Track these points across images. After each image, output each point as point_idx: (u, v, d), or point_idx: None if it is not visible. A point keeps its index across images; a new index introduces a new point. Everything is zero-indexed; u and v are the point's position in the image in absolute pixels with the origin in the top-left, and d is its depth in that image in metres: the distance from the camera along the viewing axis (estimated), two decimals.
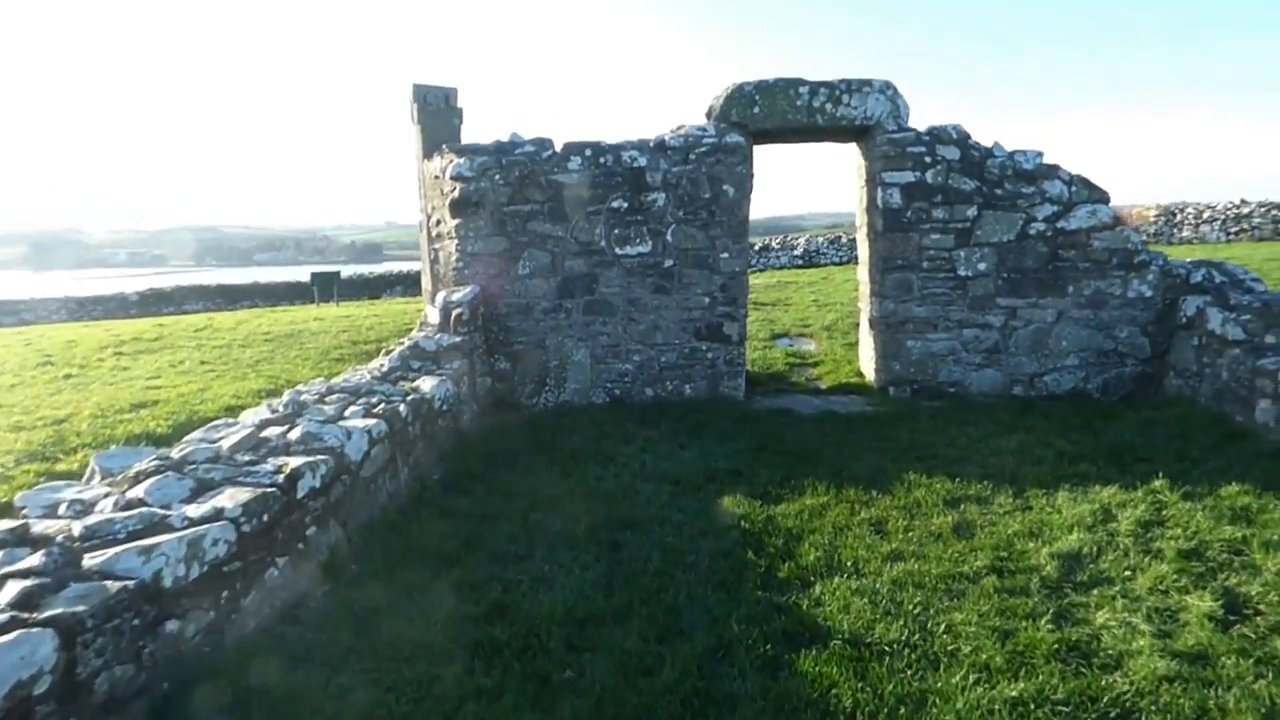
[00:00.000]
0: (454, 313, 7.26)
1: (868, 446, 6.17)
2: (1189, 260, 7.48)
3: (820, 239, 32.07)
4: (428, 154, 8.04)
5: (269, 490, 3.71)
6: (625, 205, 7.50)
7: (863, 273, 8.29)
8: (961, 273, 7.36)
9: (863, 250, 8.18)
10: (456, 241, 7.69)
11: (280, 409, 5.22)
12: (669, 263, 7.57)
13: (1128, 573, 3.96)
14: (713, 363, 7.67)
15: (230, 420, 4.98)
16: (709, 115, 7.73)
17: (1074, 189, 7.25)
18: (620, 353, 7.71)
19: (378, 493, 4.97)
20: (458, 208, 7.61)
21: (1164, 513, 4.61)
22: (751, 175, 7.46)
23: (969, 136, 7.38)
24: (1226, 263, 7.50)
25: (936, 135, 7.34)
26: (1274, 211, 22.34)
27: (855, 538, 4.49)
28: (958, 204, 7.30)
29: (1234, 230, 22.91)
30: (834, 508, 4.95)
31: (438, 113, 8.05)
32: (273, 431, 4.77)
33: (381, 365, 6.67)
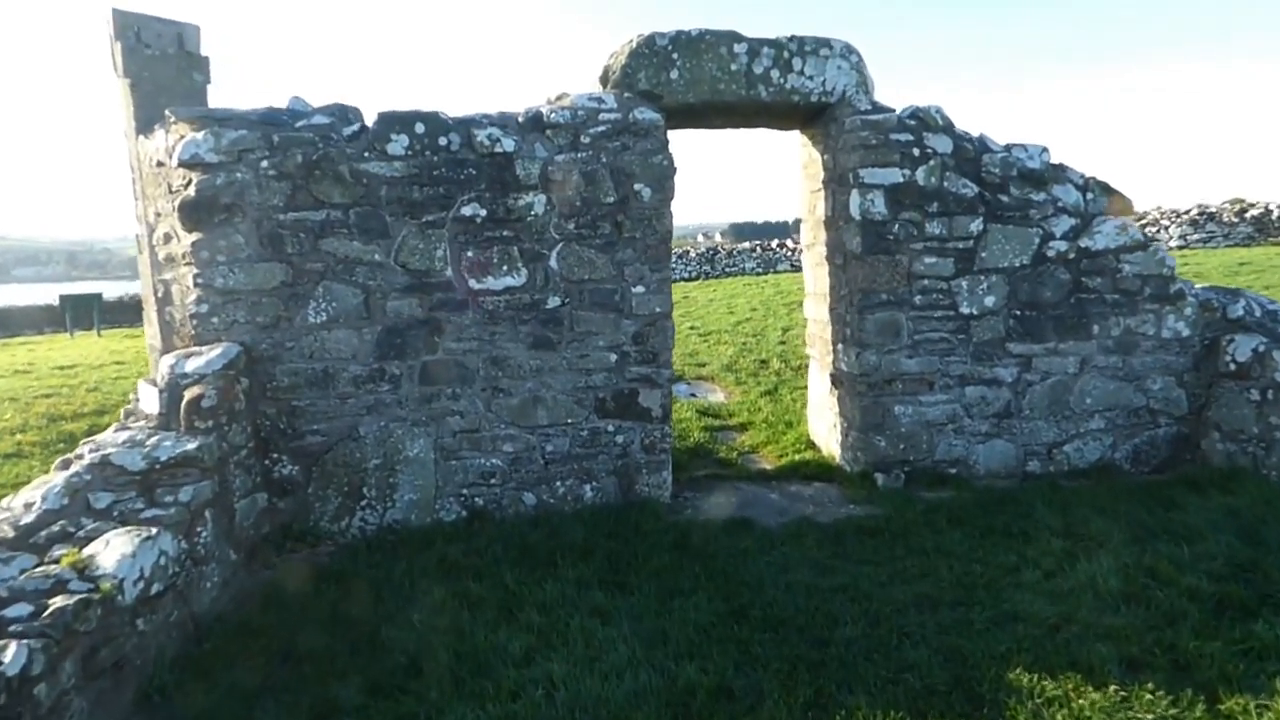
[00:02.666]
0: (188, 395, 4.18)
1: (900, 598, 3.86)
2: (1205, 286, 5.92)
3: None
4: (144, 127, 4.87)
5: None
6: (483, 213, 4.78)
7: (817, 309, 6.08)
8: (964, 310, 5.32)
9: (818, 278, 5.97)
10: (195, 270, 4.59)
11: None
12: (554, 301, 4.92)
13: None
14: (624, 450, 5.10)
15: None
16: (605, 81, 5.19)
17: (1090, 196, 5.44)
18: (482, 441, 4.95)
19: None
20: (195, 213, 4.53)
21: None
22: (674, 169, 5.00)
23: (953, 123, 5.37)
24: (1245, 290, 6.03)
25: (922, 119, 5.26)
26: None
27: None
28: (958, 215, 5.24)
29: None
30: None
31: (162, 60, 4.93)
32: None
33: (28, 507, 3.51)
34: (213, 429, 4.19)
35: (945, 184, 5.22)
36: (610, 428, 5.06)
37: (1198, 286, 5.74)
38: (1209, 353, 5.52)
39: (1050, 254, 5.34)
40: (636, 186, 4.90)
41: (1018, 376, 5.41)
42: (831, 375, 5.74)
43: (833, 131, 5.38)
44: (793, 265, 27.58)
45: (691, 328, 12.95)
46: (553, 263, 4.89)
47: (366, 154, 4.65)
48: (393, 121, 4.69)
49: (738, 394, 8.30)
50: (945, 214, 5.22)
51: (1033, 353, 5.40)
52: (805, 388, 8.12)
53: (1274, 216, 22.43)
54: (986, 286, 5.31)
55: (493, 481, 4.98)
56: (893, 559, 4.33)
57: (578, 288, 4.94)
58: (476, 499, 4.97)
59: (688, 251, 30.01)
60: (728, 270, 27.64)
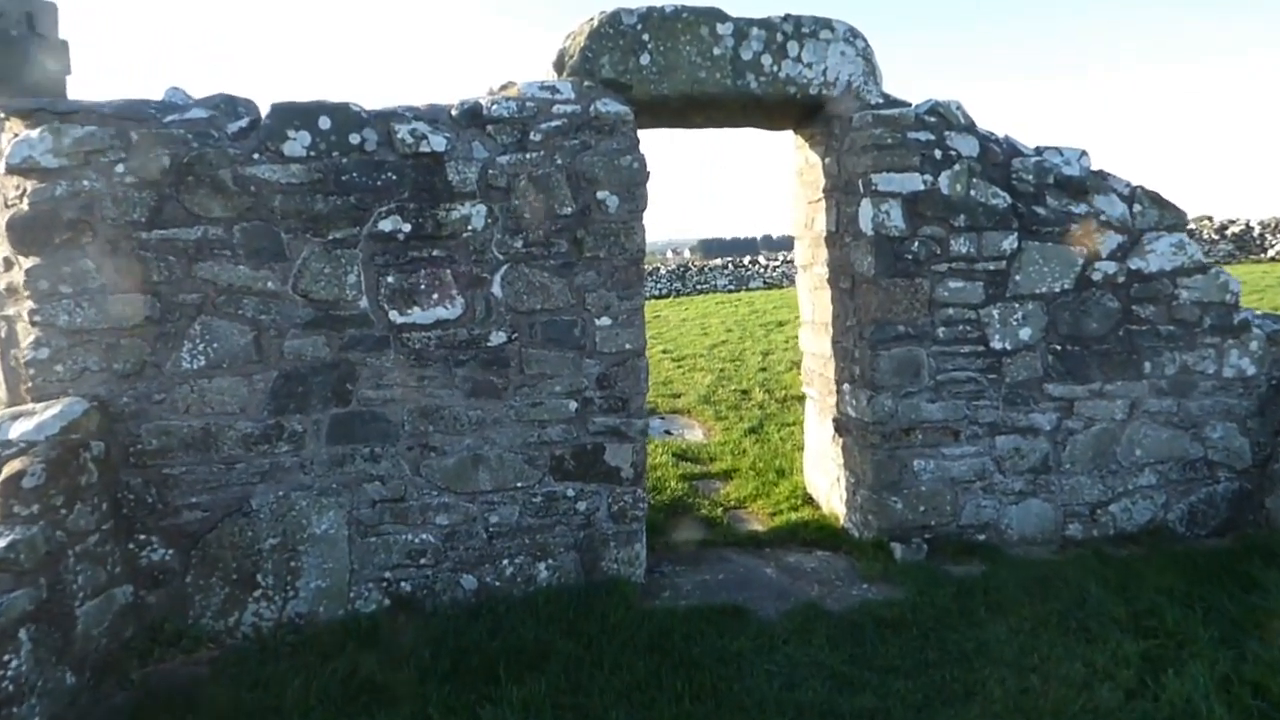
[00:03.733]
0: (5, 472, 3.15)
1: None
2: (1263, 314, 5.12)
3: None
4: None
5: None
6: (407, 228, 3.81)
7: (816, 341, 5.18)
8: (995, 344, 4.45)
9: (818, 305, 5.07)
10: (33, 305, 3.57)
11: None
12: (499, 337, 3.96)
13: None
14: (588, 519, 4.14)
15: None
16: (560, 68, 4.27)
17: (1138, 208, 4.61)
18: (409, 512, 3.96)
19: None
20: (29, 233, 3.51)
21: None
22: (646, 174, 4.09)
23: (974, 122, 4.53)
24: None
25: (943, 115, 4.41)
26: None
27: None
28: (988, 230, 4.39)
29: None
30: None
31: (3, 44, 3.91)
32: None
33: None
34: (40, 514, 3.16)
35: (972, 193, 4.36)
36: (570, 492, 4.10)
37: (1258, 314, 4.93)
38: (1277, 394, 4.71)
39: (1096, 277, 4.50)
40: (600, 195, 3.97)
41: (1057, 424, 4.55)
42: (835, 421, 4.83)
43: (837, 130, 4.51)
44: (765, 283, 26.93)
45: (664, 351, 12.05)
46: (496, 289, 3.94)
47: (257, 155, 3.67)
48: (290, 115, 3.72)
49: (718, 431, 7.38)
50: (973, 229, 4.36)
51: (1075, 395, 4.55)
52: (793, 424, 7.24)
53: (1255, 234, 22.14)
54: (1022, 316, 4.45)
55: (423, 562, 3.98)
56: (927, 666, 3.40)
57: (528, 320, 3.98)
58: (402, 584, 3.97)
59: (658, 268, 29.26)
60: (699, 288, 26.87)
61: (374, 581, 3.94)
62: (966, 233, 4.35)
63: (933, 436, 4.44)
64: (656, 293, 26.69)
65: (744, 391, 8.67)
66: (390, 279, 3.82)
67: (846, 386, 4.67)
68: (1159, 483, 4.70)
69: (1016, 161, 4.49)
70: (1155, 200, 4.66)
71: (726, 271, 27.89)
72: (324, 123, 3.73)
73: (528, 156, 3.90)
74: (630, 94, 4.17)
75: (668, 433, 7.43)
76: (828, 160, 4.66)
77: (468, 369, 3.93)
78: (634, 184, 4.01)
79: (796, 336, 12.74)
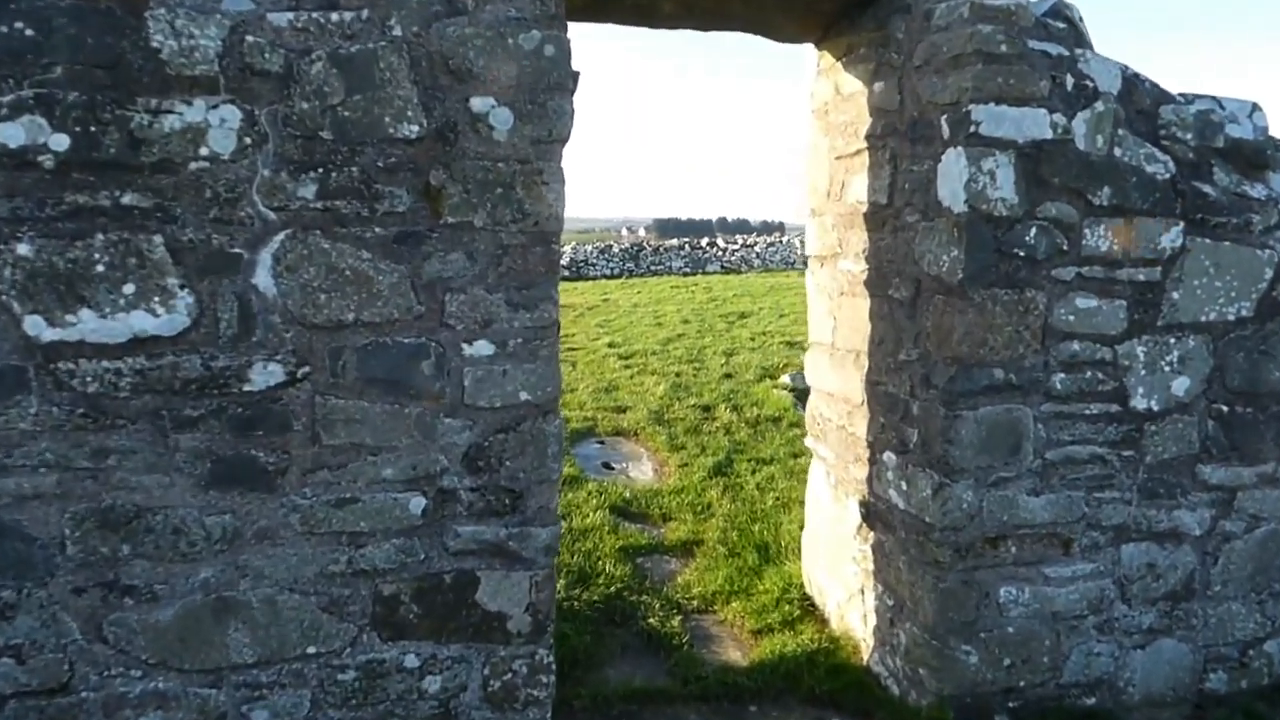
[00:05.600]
0: None
1: None
2: None
3: (588, 247, 27.60)
4: None
5: None
6: (65, 145, 1.85)
7: (838, 375, 3.38)
8: (1138, 403, 2.74)
9: (844, 319, 3.27)
10: None
11: None
12: (269, 375, 2.05)
13: None
14: (445, 706, 2.28)
15: None
16: None
17: None
18: (79, 715, 2.04)
19: None
20: None
21: None
22: (570, 72, 2.20)
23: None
24: None
25: (1072, 23, 2.65)
26: None
27: None
28: (1140, 214, 2.66)
29: None
30: None
31: None
32: None
33: None
34: None
35: (1118, 151, 2.62)
36: (410, 661, 2.23)
37: None
38: None
39: None
40: (477, 104, 2.08)
41: (1211, 525, 2.88)
42: (865, 505, 3.07)
43: (902, 32, 2.69)
44: (723, 267, 25.41)
45: (611, 345, 10.21)
46: (263, 279, 2.02)
47: None
48: None
49: (674, 466, 5.59)
50: (1120, 211, 2.62)
51: (1240, 482, 2.88)
52: (772, 462, 5.52)
53: None
54: (1177, 359, 2.75)
55: None
56: None
57: (330, 342, 2.08)
58: None
59: (610, 246, 27.38)
60: (653, 269, 25.18)
61: None
62: (1108, 218, 2.61)
63: (1032, 549, 2.71)
64: (609, 272, 24.95)
65: (706, 408, 6.90)
66: (25, 249, 1.87)
67: (891, 457, 2.90)
68: None
69: (1167, 110, 2.76)
70: None
71: (683, 253, 26.37)
72: None
73: (335, 19, 1.98)
74: None
75: (607, 466, 5.60)
76: (878, 86, 2.83)
77: (203, 435, 2.01)
78: (545, 88, 2.12)
79: (763, 333, 11.03)
